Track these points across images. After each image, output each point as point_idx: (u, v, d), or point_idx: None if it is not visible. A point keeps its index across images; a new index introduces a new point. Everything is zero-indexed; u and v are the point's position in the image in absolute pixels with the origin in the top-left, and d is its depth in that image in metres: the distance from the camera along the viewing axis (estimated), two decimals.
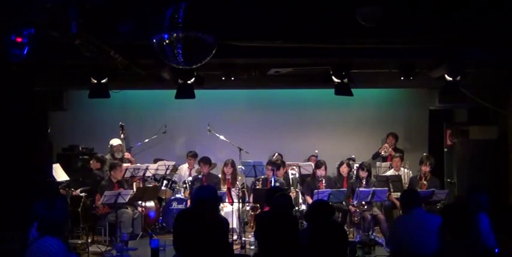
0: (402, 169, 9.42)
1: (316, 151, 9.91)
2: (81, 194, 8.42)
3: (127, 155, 9.70)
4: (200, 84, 8.08)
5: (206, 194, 4.73)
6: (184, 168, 9.90)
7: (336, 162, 9.80)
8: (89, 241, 8.08)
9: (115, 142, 9.69)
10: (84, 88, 8.07)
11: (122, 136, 9.76)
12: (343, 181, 8.95)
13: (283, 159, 9.85)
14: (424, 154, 9.21)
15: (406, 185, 8.84)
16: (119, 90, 8.61)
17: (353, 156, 9.82)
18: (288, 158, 10.12)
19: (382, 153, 10.09)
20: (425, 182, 8.42)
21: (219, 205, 7.18)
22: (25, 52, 4.74)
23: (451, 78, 7.24)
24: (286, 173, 9.42)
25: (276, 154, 9.96)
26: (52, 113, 9.23)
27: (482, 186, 5.23)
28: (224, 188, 8.74)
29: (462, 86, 7.56)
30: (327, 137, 10.57)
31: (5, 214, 6.74)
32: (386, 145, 10.14)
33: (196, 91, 8.04)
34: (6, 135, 7.33)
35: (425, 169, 8.54)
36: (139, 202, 8.65)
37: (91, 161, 9.32)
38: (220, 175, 9.22)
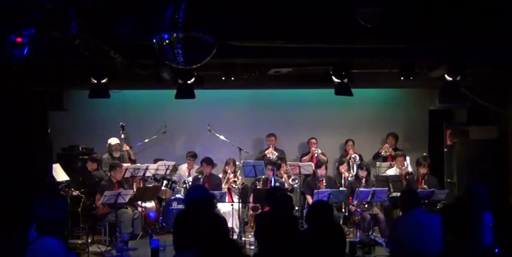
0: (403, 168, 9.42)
1: (319, 150, 9.92)
2: (81, 195, 8.43)
3: (126, 147, 9.70)
4: (200, 84, 8.07)
5: (201, 194, 4.74)
6: (183, 168, 9.90)
7: (336, 162, 9.83)
8: (89, 241, 8.09)
9: (113, 140, 9.70)
10: (84, 88, 8.07)
11: (122, 136, 9.75)
12: (342, 180, 8.99)
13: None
14: (424, 154, 9.21)
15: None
16: (119, 90, 8.60)
17: (354, 155, 9.81)
18: (287, 158, 10.14)
19: (383, 153, 10.09)
20: (425, 186, 8.40)
21: (214, 202, 7.24)
22: (25, 52, 4.73)
23: (451, 78, 7.23)
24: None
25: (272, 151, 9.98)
26: (52, 113, 9.24)
27: (480, 182, 5.26)
28: (225, 188, 8.75)
29: (462, 86, 7.56)
30: (327, 137, 10.57)
31: (5, 214, 6.75)
32: (386, 145, 10.14)
33: (196, 91, 8.03)
34: (6, 135, 7.33)
35: (423, 170, 8.54)
36: (139, 202, 8.65)
37: (87, 163, 9.32)
38: (221, 175, 9.23)
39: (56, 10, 4.63)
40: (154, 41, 4.64)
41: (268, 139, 10.17)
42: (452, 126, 9.91)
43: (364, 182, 8.43)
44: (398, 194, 7.00)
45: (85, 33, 5.09)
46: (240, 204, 8.51)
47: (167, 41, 4.54)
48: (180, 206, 8.71)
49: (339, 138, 10.56)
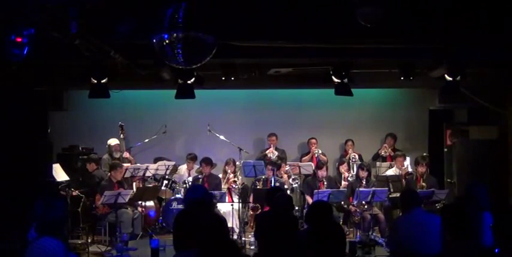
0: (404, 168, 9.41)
1: (319, 150, 9.91)
2: (81, 195, 8.43)
3: (126, 154, 9.70)
4: (200, 84, 8.07)
5: (199, 194, 4.75)
6: (183, 168, 9.90)
7: (336, 162, 9.81)
8: (89, 241, 8.08)
9: (113, 141, 9.69)
10: (84, 88, 8.07)
11: (122, 136, 9.75)
12: (342, 180, 9.00)
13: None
14: (424, 154, 9.21)
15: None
16: (119, 90, 8.60)
17: (354, 155, 9.81)
18: (287, 158, 10.13)
19: (382, 153, 10.09)
20: (424, 184, 8.40)
21: (214, 202, 7.26)
22: (25, 52, 4.73)
23: (451, 78, 7.22)
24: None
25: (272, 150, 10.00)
26: (52, 113, 9.24)
27: (480, 182, 5.26)
28: (225, 188, 8.75)
29: (462, 86, 7.56)
30: (327, 137, 10.57)
31: (5, 214, 6.74)
32: (385, 145, 10.14)
33: (196, 91, 8.04)
34: (6, 135, 7.33)
35: (422, 169, 8.54)
36: (139, 202, 8.65)
37: (87, 164, 9.31)
38: (221, 175, 9.23)
39: (56, 10, 4.63)
40: (154, 41, 4.64)
41: (269, 139, 10.18)
42: (452, 126, 9.91)
43: (364, 182, 8.43)
44: (398, 194, 6.99)
45: (85, 33, 5.09)
46: (240, 204, 8.50)
47: (167, 41, 4.53)
48: (180, 206, 8.71)
49: (338, 138, 10.56)
